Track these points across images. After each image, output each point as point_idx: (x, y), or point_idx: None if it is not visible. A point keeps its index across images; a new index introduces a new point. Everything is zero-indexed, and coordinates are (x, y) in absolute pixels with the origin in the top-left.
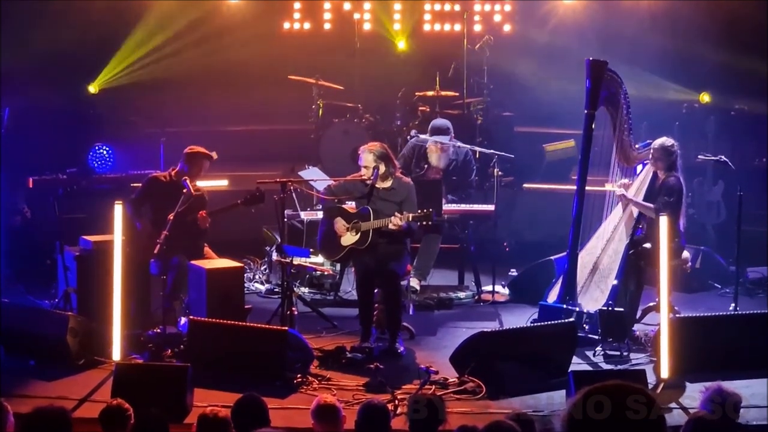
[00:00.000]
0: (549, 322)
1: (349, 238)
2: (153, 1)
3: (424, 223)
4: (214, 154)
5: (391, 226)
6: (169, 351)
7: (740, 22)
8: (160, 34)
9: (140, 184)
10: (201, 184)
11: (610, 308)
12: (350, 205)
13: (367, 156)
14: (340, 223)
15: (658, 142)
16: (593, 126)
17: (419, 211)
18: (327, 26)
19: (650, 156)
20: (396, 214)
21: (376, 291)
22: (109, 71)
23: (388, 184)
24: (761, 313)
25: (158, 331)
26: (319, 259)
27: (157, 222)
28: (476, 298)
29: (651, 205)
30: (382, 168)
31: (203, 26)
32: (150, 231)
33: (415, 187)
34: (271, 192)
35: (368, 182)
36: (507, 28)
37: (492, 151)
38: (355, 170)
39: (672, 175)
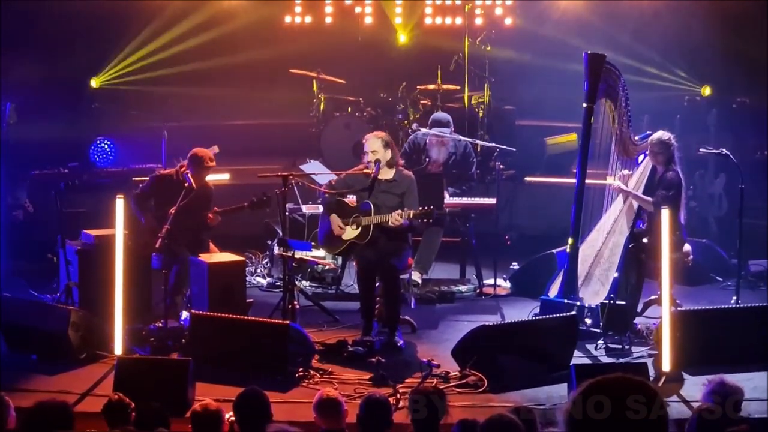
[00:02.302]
0: (550, 316)
1: (349, 233)
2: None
3: (425, 220)
4: (216, 148)
5: (391, 224)
6: (172, 344)
7: (741, 15)
8: (164, 29)
9: (146, 179)
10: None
11: (611, 301)
12: (351, 199)
13: (375, 141)
14: (335, 222)
15: (655, 137)
16: (592, 119)
17: (420, 208)
18: (328, 20)
19: (648, 150)
20: (396, 212)
21: (377, 284)
22: (113, 69)
23: (390, 175)
24: (763, 305)
25: (160, 325)
26: (321, 252)
27: (160, 218)
28: (478, 291)
29: (649, 199)
30: (388, 155)
31: (205, 20)
32: (153, 226)
33: (416, 181)
34: (272, 186)
35: (371, 175)
36: (508, 21)
37: (493, 144)
38: (357, 164)
39: (671, 169)
